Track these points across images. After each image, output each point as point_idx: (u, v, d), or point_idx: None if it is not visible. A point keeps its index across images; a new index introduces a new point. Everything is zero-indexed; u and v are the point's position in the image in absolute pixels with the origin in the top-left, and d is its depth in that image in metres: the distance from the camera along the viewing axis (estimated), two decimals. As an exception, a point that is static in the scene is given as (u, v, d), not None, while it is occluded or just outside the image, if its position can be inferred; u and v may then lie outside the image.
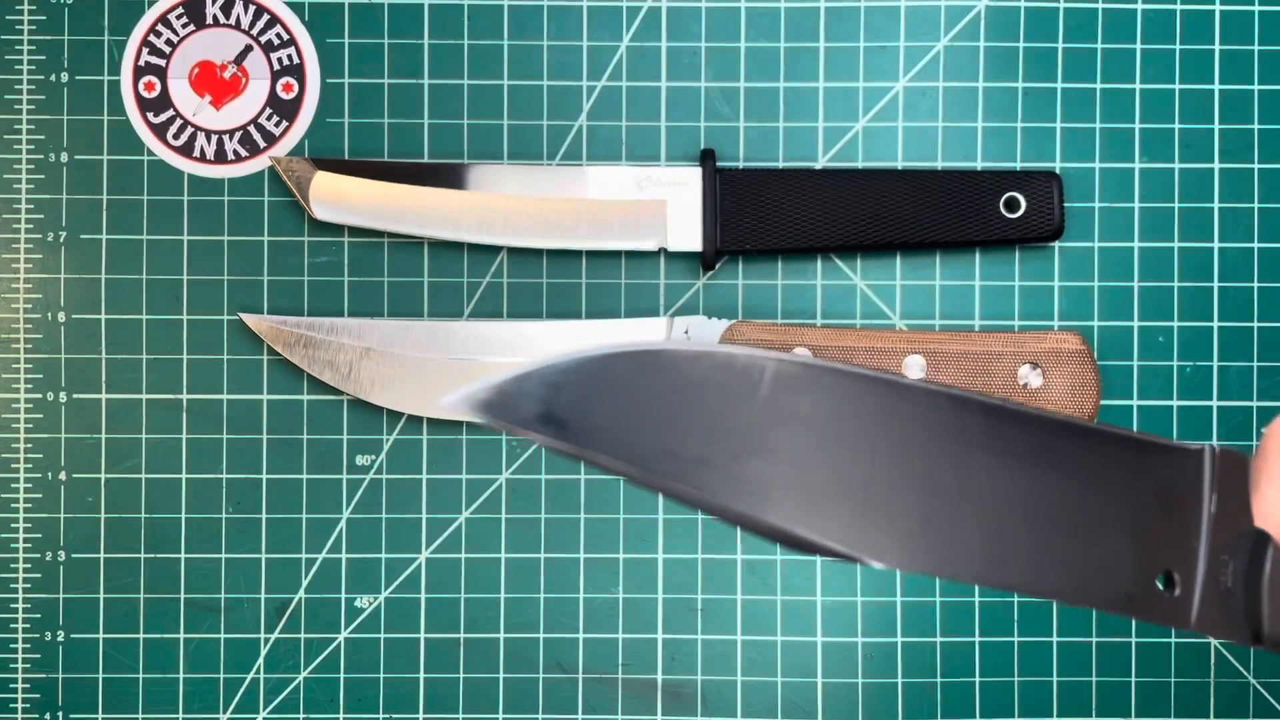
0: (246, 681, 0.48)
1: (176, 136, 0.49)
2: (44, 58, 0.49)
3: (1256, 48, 0.49)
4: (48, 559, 0.48)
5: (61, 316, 0.48)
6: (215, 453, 0.48)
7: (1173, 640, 0.48)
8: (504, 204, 0.47)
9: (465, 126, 0.49)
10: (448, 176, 0.48)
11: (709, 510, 0.24)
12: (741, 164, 0.49)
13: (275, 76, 0.49)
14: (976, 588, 0.48)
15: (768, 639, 0.48)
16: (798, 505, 0.24)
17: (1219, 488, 0.27)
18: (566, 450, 0.23)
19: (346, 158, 0.49)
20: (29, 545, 0.48)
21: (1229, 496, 0.27)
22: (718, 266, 0.48)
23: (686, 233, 0.48)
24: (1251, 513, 0.27)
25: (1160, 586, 0.27)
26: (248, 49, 0.49)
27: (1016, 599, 0.48)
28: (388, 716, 0.48)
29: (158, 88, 0.49)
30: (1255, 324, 0.49)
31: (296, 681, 0.48)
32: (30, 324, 0.48)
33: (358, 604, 0.48)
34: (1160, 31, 0.49)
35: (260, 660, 0.48)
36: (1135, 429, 0.48)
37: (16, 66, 0.49)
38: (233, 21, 0.49)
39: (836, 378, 0.25)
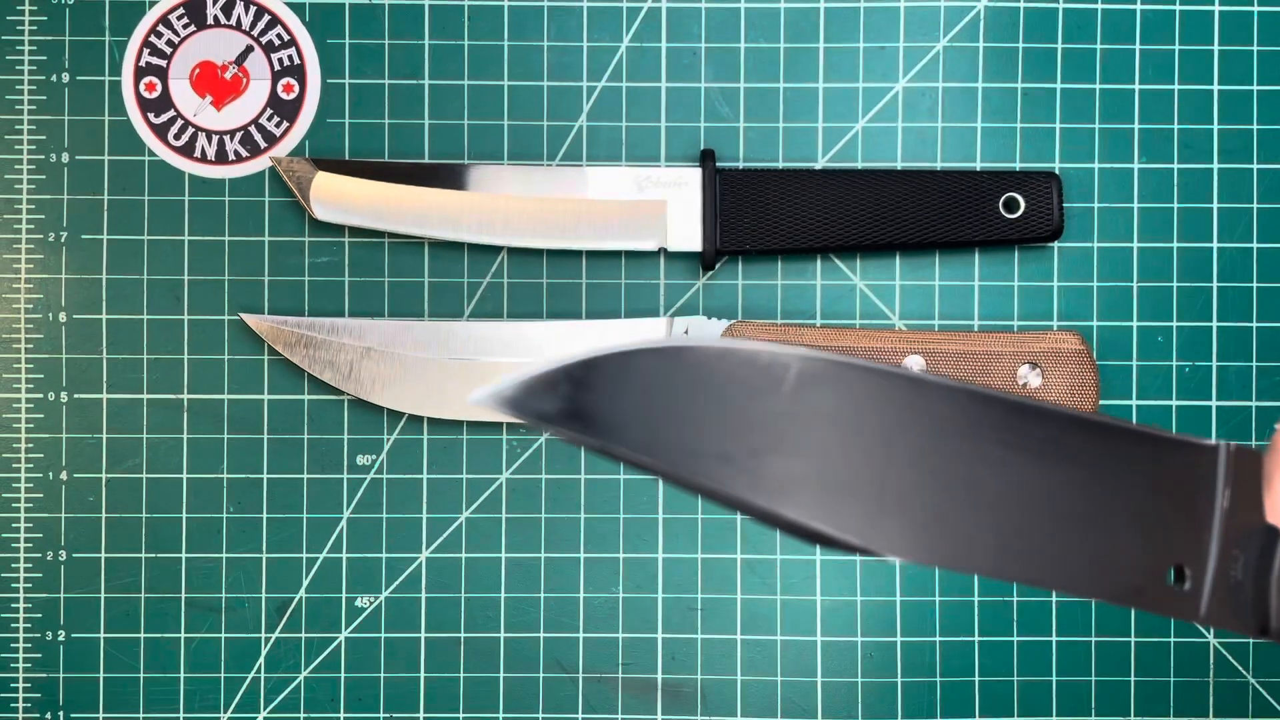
0: (247, 681, 0.48)
1: (177, 137, 0.49)
2: (45, 58, 0.49)
3: (1256, 48, 0.49)
4: (49, 558, 0.48)
5: (62, 316, 0.49)
6: (216, 452, 0.48)
7: (1172, 640, 0.48)
8: (504, 204, 0.48)
9: (465, 127, 0.49)
10: (448, 177, 0.48)
11: (727, 504, 0.25)
12: (741, 164, 0.49)
13: (276, 77, 0.49)
14: (976, 586, 0.48)
15: (768, 638, 0.48)
16: (816, 500, 0.25)
17: (1232, 483, 0.27)
18: (590, 445, 0.24)
19: (347, 158, 0.49)
20: (30, 545, 0.48)
21: (1242, 492, 0.27)
22: (718, 266, 0.49)
23: (686, 233, 0.48)
24: (1263, 508, 0.27)
25: (1170, 580, 0.27)
26: (248, 49, 0.49)
27: (1016, 598, 0.48)
28: (388, 716, 0.48)
29: (159, 88, 0.49)
30: (1254, 324, 0.49)
31: (297, 681, 0.48)
32: (31, 324, 0.49)
33: (358, 604, 0.48)
34: (1160, 32, 0.49)
35: (261, 660, 0.48)
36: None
37: (17, 67, 0.49)
38: (233, 22, 0.49)
39: (859, 374, 0.25)
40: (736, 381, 0.25)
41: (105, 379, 0.48)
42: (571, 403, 0.24)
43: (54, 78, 0.49)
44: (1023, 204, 0.48)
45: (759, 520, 0.25)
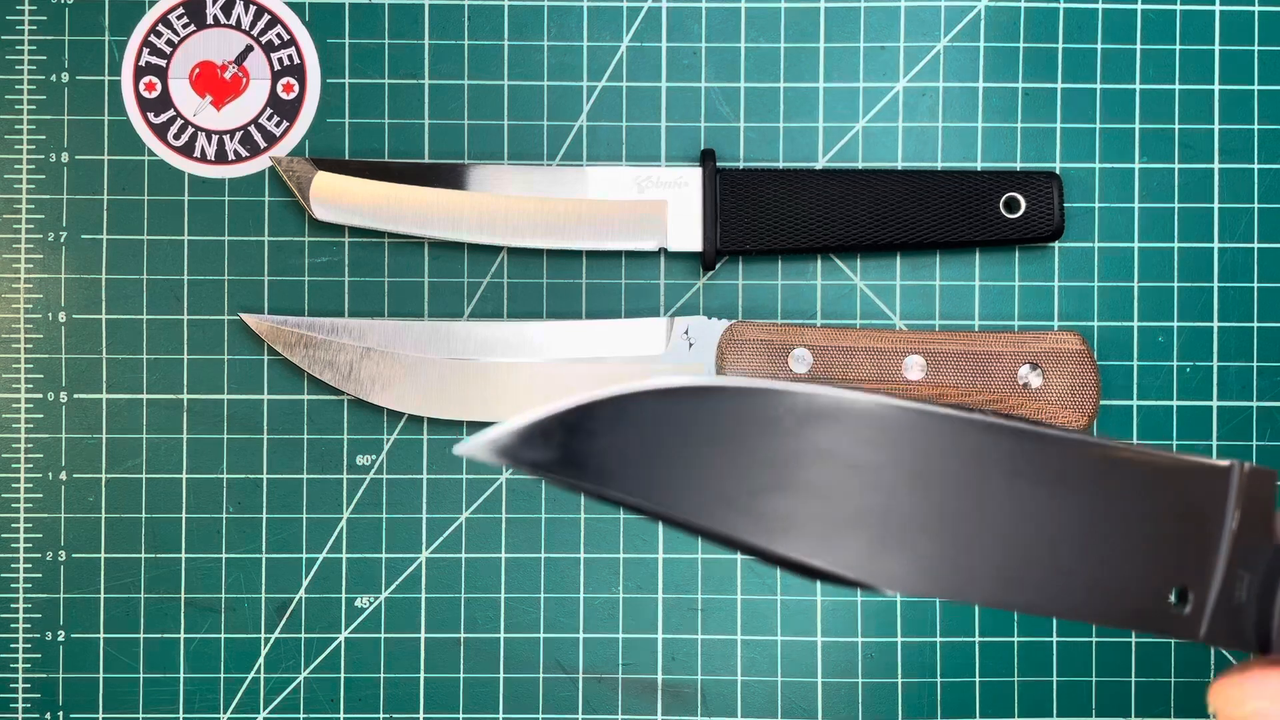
0: (247, 681, 0.48)
1: (177, 137, 0.49)
2: (45, 58, 0.49)
3: (1256, 48, 0.49)
4: (48, 559, 0.48)
5: (62, 316, 0.49)
6: (215, 453, 0.48)
7: (1172, 640, 0.48)
8: (504, 204, 0.48)
9: (465, 126, 0.49)
10: (448, 177, 0.48)
11: (726, 544, 0.24)
12: (741, 164, 0.49)
13: (276, 77, 0.49)
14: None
15: (768, 639, 0.48)
16: (816, 538, 0.24)
17: (1243, 505, 0.27)
18: (585, 490, 0.23)
19: (347, 158, 0.49)
20: (29, 545, 0.48)
21: (1252, 513, 0.27)
22: (718, 266, 0.48)
23: (686, 233, 0.48)
24: (1273, 529, 0.27)
25: (1173, 602, 0.27)
26: (248, 49, 0.49)
27: (1016, 599, 0.48)
28: (388, 716, 0.48)
29: (158, 88, 0.49)
30: (1255, 324, 0.49)
31: (297, 681, 0.48)
32: (31, 324, 0.49)
33: (358, 604, 0.48)
34: (1160, 31, 0.49)
35: (260, 660, 0.48)
36: (1136, 431, 0.48)
37: (17, 66, 0.49)
38: (233, 22, 0.49)
39: (860, 408, 0.25)
40: (734, 420, 0.24)
41: (105, 379, 0.48)
42: (567, 449, 0.23)
43: (53, 77, 0.49)
44: (1023, 204, 0.48)
45: (757, 558, 0.24)
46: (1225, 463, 0.27)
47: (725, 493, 0.24)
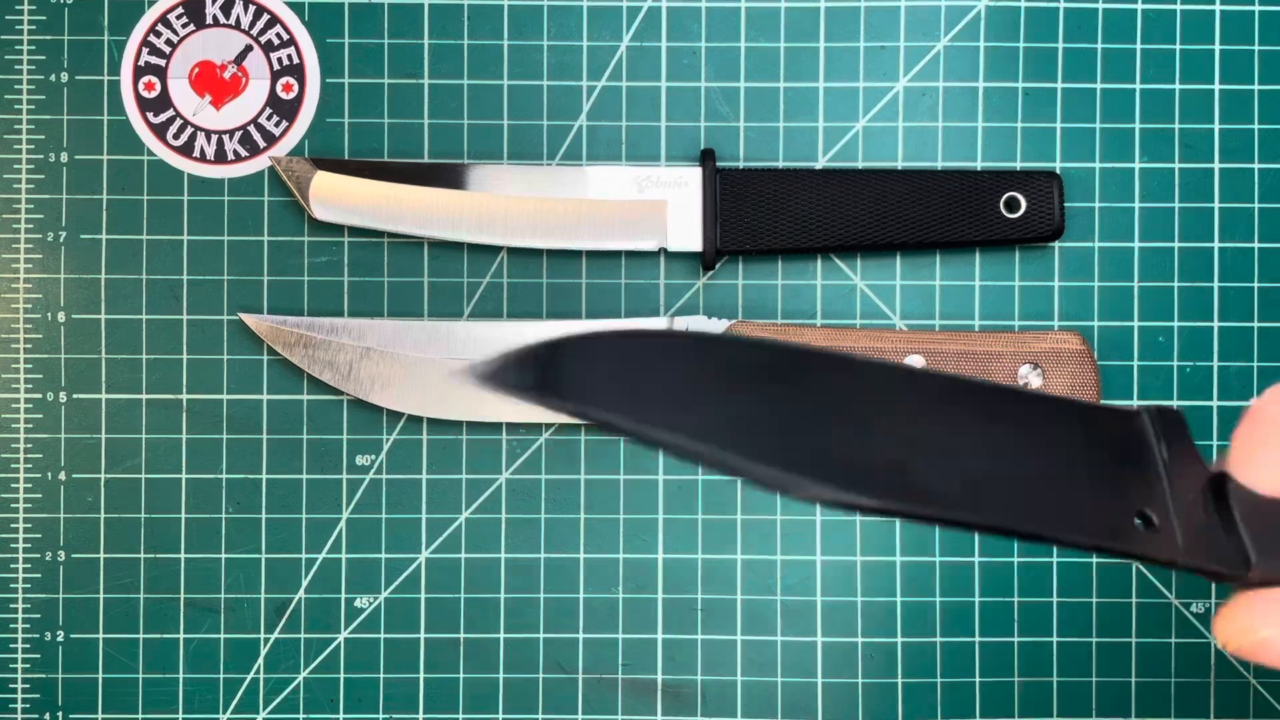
0: (246, 681, 0.48)
1: (176, 136, 0.49)
2: (44, 58, 0.49)
3: (1256, 48, 0.49)
4: (48, 559, 0.48)
5: (61, 316, 0.48)
6: (215, 453, 0.48)
7: (1173, 640, 0.48)
8: (504, 204, 0.47)
9: (465, 126, 0.49)
10: (448, 176, 0.48)
11: (692, 458, 0.26)
12: (741, 164, 0.49)
13: (275, 76, 0.49)
14: (977, 587, 0.48)
15: (768, 639, 0.48)
16: (773, 453, 0.26)
17: (1166, 439, 0.28)
18: (559, 408, 0.26)
19: (346, 158, 0.49)
20: (29, 545, 0.48)
21: (1176, 447, 0.28)
22: (718, 266, 0.48)
23: (686, 233, 0.48)
24: (1199, 459, 0.28)
25: (1140, 526, 0.27)
26: (248, 49, 0.49)
27: (1017, 599, 0.48)
28: (388, 716, 0.48)
29: (158, 87, 0.49)
30: (1255, 324, 0.49)
31: (296, 681, 0.48)
32: (30, 324, 0.48)
33: (358, 604, 0.48)
34: (1160, 31, 0.49)
35: (260, 660, 0.48)
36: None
37: (16, 66, 0.49)
38: (233, 21, 0.49)
39: (787, 355, 0.27)
40: (685, 362, 0.26)
41: (104, 379, 0.48)
42: (542, 376, 0.26)
43: (53, 77, 0.49)
44: (1023, 204, 0.48)
45: (731, 474, 0.26)
46: (1133, 407, 0.29)
47: (671, 402, 0.26)
